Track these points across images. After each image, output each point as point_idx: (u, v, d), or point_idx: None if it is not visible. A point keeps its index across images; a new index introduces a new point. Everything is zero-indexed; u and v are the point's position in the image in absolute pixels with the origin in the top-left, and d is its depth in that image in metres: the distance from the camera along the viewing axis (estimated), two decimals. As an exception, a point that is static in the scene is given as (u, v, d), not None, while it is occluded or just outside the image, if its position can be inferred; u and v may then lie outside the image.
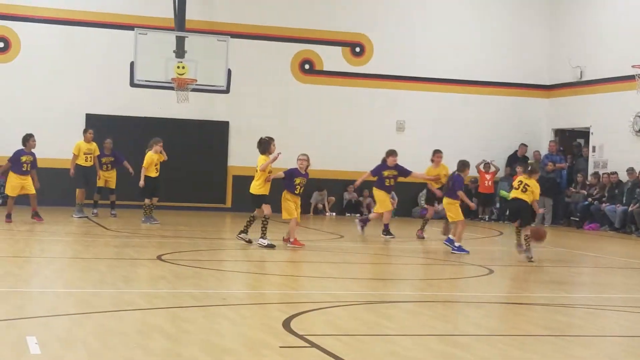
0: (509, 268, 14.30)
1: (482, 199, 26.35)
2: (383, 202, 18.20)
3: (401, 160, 24.34)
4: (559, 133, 27.51)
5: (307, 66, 25.99)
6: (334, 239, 18.17)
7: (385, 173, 18.20)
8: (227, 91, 23.01)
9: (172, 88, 22.40)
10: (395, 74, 26.50)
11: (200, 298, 9.53)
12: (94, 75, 24.31)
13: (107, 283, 10.40)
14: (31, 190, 18.72)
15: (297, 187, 15.47)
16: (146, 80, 22.26)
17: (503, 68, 27.30)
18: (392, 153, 18.39)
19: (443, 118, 26.70)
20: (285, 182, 15.51)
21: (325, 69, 26.10)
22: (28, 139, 19.01)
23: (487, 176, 26.16)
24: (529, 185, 15.24)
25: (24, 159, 18.73)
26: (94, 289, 9.98)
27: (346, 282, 11.64)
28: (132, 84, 22.57)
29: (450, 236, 16.21)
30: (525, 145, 27.05)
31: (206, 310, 8.78)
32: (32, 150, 18.97)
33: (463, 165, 16.51)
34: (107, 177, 21.42)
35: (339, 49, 26.16)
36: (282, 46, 25.69)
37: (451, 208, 16.25)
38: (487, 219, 26.23)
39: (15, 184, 18.66)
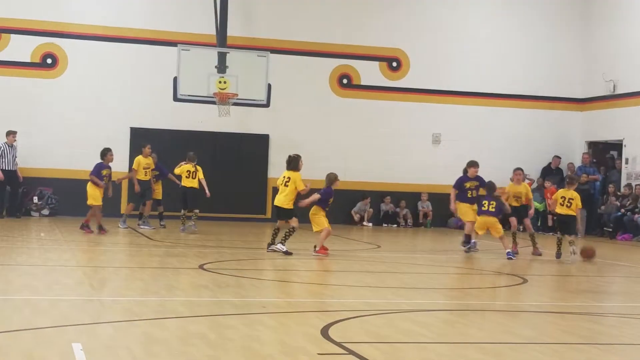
0: (542, 277, 14.20)
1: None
2: (466, 213, 17.82)
3: (437, 173, 24.32)
4: (592, 145, 27.33)
5: (345, 81, 26.04)
6: (371, 248, 18.14)
7: (467, 184, 17.87)
8: (267, 105, 23.11)
9: (213, 102, 22.54)
10: (431, 88, 26.47)
11: (241, 306, 9.56)
12: (138, 90, 24.54)
13: (150, 292, 10.46)
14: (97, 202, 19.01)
15: (329, 204, 15.80)
16: (189, 95, 22.42)
17: (537, 82, 27.18)
18: (473, 164, 17.86)
19: (478, 131, 26.62)
20: (320, 201, 15.62)
21: (362, 83, 26.14)
22: (106, 153, 19.25)
23: (521, 187, 25.97)
24: (572, 199, 15.42)
25: (104, 172, 18.93)
26: (138, 297, 10.04)
27: (383, 291, 11.62)
28: (175, 99, 22.74)
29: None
30: (559, 158, 26.92)
31: (246, 318, 8.80)
32: (110, 163, 19.23)
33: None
34: (154, 189, 21.45)
35: (376, 63, 26.19)
36: (321, 61, 25.76)
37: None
38: (520, 230, 26.03)
39: (98, 194, 18.85)
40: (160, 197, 21.44)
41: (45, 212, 23.58)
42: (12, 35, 23.94)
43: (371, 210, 25.68)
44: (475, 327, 9.01)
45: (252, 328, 8.28)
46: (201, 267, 13.05)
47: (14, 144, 22.94)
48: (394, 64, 26.31)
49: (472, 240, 17.73)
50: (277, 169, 24.86)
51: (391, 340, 7.99)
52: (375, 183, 25.63)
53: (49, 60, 24.21)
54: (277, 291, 11.44)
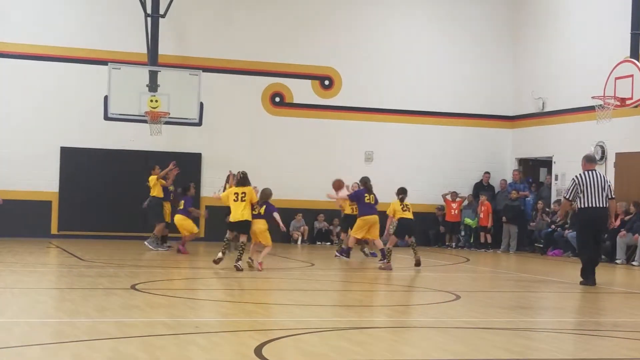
0: (474, 294, 14.34)
1: (449, 227, 26.55)
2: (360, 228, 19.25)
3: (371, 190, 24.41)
4: (523, 162, 27.75)
5: (277, 99, 26.09)
6: (305, 266, 18.15)
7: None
8: (199, 124, 23.05)
9: (145, 121, 22.42)
10: (363, 106, 26.66)
11: (173, 326, 9.48)
12: (68, 109, 24.26)
13: (81, 313, 10.32)
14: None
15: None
16: (120, 114, 22.27)
17: (468, 99, 27.54)
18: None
19: (410, 148, 26.86)
20: (265, 213, 16.51)
21: (295, 101, 26.21)
22: (189, 187, 20.27)
23: (454, 205, 26.35)
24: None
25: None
26: (68, 318, 9.90)
27: (317, 309, 11.63)
28: (106, 117, 22.56)
29: None
30: (489, 174, 27.24)
31: (179, 339, 8.73)
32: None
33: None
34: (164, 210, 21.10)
35: (308, 82, 26.29)
36: (253, 79, 25.79)
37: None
38: (453, 246, 26.35)
39: (191, 223, 19.39)
40: (168, 220, 20.95)
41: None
42: (-62, 53, 23.56)
43: (306, 227, 25.70)
44: (408, 345, 9.07)
45: (184, 348, 8.22)
46: (133, 287, 12.92)
47: None
48: (326, 82, 26.45)
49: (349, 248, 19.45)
50: (209, 188, 24.78)
51: (324, 359, 7.99)
52: (308, 201, 25.66)
53: (-25, 79, 23.84)
54: (210, 311, 11.37)
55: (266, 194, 16.66)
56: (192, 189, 20.44)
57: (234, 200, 16.24)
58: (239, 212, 16.20)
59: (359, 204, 19.24)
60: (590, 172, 15.50)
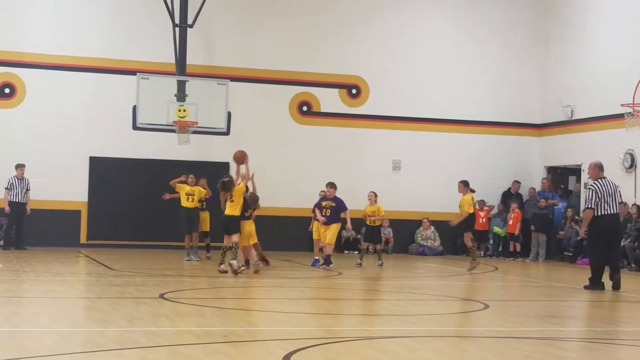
0: (504, 303, 14.26)
1: (477, 236, 26.32)
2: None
3: (398, 199, 24.41)
4: (551, 170, 27.57)
5: (305, 108, 26.10)
6: (333, 275, 18.13)
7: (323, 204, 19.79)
8: (227, 133, 23.09)
9: (173, 130, 22.49)
10: (391, 115, 26.60)
11: (201, 335, 9.49)
12: (97, 119, 24.40)
13: (110, 322, 10.35)
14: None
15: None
16: (148, 124, 22.34)
17: (496, 107, 27.41)
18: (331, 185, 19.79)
19: (438, 156, 26.76)
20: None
21: (322, 110, 26.20)
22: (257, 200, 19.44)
23: (482, 213, 26.15)
24: None
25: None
26: (97, 327, 9.93)
27: (344, 318, 11.61)
28: (135, 127, 22.64)
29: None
30: (519, 182, 27.11)
31: (207, 348, 8.74)
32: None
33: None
34: (201, 219, 20.84)
35: (335, 90, 26.29)
36: (281, 89, 25.81)
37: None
38: (482, 255, 26.20)
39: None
40: (207, 229, 20.83)
41: (1, 243, 23.27)
42: (-31, 65, 23.80)
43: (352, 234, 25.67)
44: (437, 354, 9.02)
45: (212, 358, 8.22)
46: (162, 296, 12.95)
47: (24, 176, 22.82)
48: (354, 91, 26.43)
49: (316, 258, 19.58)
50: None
51: (353, 368, 7.97)
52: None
53: (6, 90, 24.01)
54: (239, 320, 11.38)
55: (253, 199, 17.67)
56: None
57: (231, 201, 16.95)
58: (232, 209, 16.94)
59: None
60: (602, 180, 15.85)
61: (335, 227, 19.24)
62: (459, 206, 19.62)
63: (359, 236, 25.83)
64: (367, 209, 20.47)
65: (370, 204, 20.46)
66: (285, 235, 24.60)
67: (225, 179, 17.24)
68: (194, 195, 20.52)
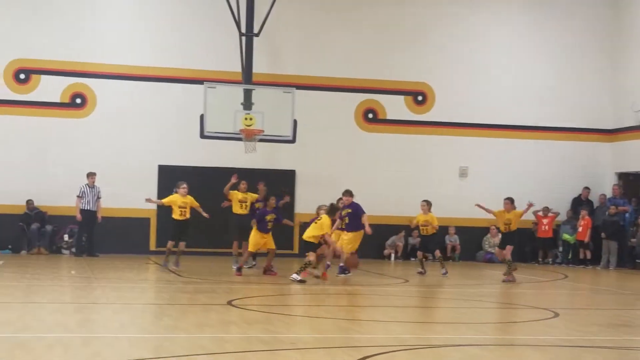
0: (574, 311, 14.11)
1: (541, 243, 26.06)
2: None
3: (464, 206, 24.30)
4: (623, 177, 27.16)
5: (370, 115, 26.14)
6: (399, 283, 18.12)
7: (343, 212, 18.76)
8: (293, 141, 23.19)
9: (240, 139, 22.65)
10: (457, 121, 26.49)
11: (270, 342, 9.58)
12: (165, 128, 24.76)
13: (179, 328, 10.51)
14: (272, 245, 18.79)
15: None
16: (215, 132, 22.53)
17: (565, 113, 27.11)
18: (347, 193, 18.95)
19: (505, 163, 26.56)
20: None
21: (388, 117, 26.20)
22: (269, 198, 19.41)
23: (545, 220, 25.85)
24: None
25: (268, 217, 18.79)
26: (167, 334, 10.09)
27: (412, 326, 11.61)
28: (202, 136, 22.88)
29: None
30: (588, 189, 26.76)
31: (275, 354, 8.82)
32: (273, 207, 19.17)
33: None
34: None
35: (401, 97, 26.27)
36: (346, 96, 25.89)
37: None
38: (550, 262, 25.93)
39: (258, 241, 18.62)
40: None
41: (74, 250, 23.74)
42: (42, 76, 24.30)
43: (400, 244, 25.65)
44: (505, 362, 8.98)
45: (281, 364, 8.30)
46: (230, 303, 13.09)
47: (95, 184, 23.27)
48: (419, 98, 26.39)
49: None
50: (303, 204, 24.91)
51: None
52: (402, 217, 25.54)
53: (78, 100, 24.51)
54: (306, 327, 11.45)
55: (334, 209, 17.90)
56: (272, 200, 19.86)
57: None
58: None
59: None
60: None
61: (353, 235, 18.64)
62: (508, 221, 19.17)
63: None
64: (420, 218, 20.29)
65: (423, 213, 20.26)
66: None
67: (335, 204, 17.99)
68: (246, 202, 20.40)
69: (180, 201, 19.59)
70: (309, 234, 17.35)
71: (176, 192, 19.72)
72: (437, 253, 20.36)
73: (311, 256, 17.12)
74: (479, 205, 19.47)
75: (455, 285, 18.40)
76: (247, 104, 22.42)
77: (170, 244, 19.52)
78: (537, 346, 9.89)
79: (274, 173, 25.06)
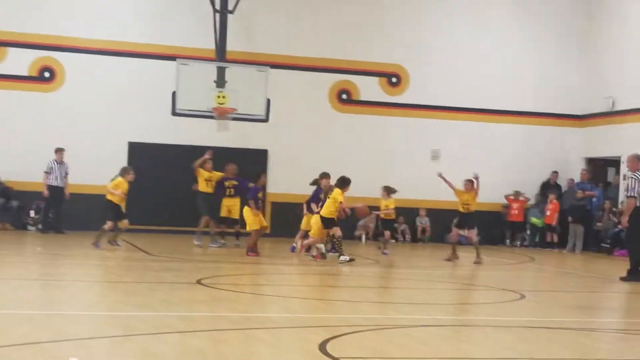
0: (540, 293, 14.23)
1: (510, 227, 26.33)
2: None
3: (435, 189, 24.36)
4: (591, 162, 27.36)
5: (344, 96, 26.12)
6: (370, 264, 18.17)
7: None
8: (266, 120, 23.14)
9: (212, 117, 22.56)
10: (430, 104, 26.53)
11: (239, 321, 9.59)
12: (136, 105, 24.60)
13: (147, 306, 10.49)
14: (264, 223, 18.74)
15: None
16: (187, 110, 22.43)
17: (537, 98, 27.24)
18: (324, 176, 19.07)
19: (478, 146, 26.66)
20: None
21: (362, 98, 26.21)
22: (260, 175, 19.47)
23: (515, 205, 26.10)
24: None
25: (260, 195, 18.80)
26: (135, 312, 10.07)
27: (381, 306, 11.66)
28: (174, 113, 22.77)
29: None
30: (557, 173, 26.96)
31: (244, 333, 8.83)
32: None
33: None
34: (230, 206, 20.80)
35: (375, 79, 26.27)
36: (320, 76, 25.85)
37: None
38: (518, 245, 26.12)
39: (255, 219, 18.43)
40: (237, 216, 20.61)
41: (40, 226, 23.55)
42: (10, 49, 24.03)
43: (371, 225, 25.69)
44: (471, 343, 9.05)
45: (249, 344, 8.32)
46: (199, 282, 13.09)
47: (63, 160, 23.06)
48: (394, 80, 26.40)
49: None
50: (275, 185, 24.92)
51: (388, 356, 8.03)
52: (373, 199, 25.57)
53: (46, 74, 24.29)
54: (276, 306, 11.47)
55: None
56: (263, 178, 19.74)
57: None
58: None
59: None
60: None
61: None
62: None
63: (395, 224, 25.88)
64: (382, 203, 20.72)
65: (383, 198, 20.71)
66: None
67: (345, 177, 18.12)
68: (212, 181, 20.52)
69: (126, 188, 19.20)
70: (327, 210, 17.65)
71: (122, 177, 19.36)
72: (387, 234, 20.70)
73: (335, 231, 17.58)
74: (441, 176, 19.48)
75: (425, 267, 18.50)
76: (221, 82, 22.31)
77: (110, 224, 19.22)
78: (502, 327, 9.97)
79: (246, 152, 25.01)
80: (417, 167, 26.09)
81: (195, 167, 20.40)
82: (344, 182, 18.00)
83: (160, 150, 24.46)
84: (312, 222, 18.31)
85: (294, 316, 10.46)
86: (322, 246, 17.89)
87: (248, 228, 18.47)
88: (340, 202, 17.65)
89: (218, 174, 20.70)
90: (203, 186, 20.50)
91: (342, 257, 17.35)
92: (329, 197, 17.83)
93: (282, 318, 10.17)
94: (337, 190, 17.80)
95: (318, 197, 18.98)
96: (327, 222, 17.67)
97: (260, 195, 18.94)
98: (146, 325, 9.08)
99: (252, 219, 18.32)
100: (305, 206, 19.26)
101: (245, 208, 18.52)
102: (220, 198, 20.77)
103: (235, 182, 20.86)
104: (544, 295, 14.05)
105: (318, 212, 18.11)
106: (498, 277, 17.06)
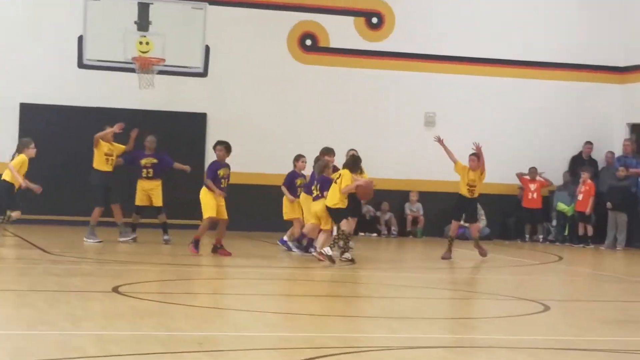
0: (569, 304, 14.33)
1: (528, 215, 26.25)
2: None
3: (430, 165, 24.41)
4: (637, 129, 27.51)
5: (308, 42, 26.09)
6: (343, 264, 18.20)
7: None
8: (204, 74, 23.08)
9: (133, 70, 22.48)
10: (422, 52, 26.56)
11: (168, 342, 9.57)
12: (30, 55, 24.41)
13: (47, 323, 10.44)
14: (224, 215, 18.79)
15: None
16: (99, 60, 22.33)
17: (563, 45, 27.33)
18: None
19: (485, 109, 26.74)
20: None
21: (332, 45, 26.18)
22: (215, 146, 19.15)
23: (532, 186, 26.07)
24: None
25: (221, 172, 18.75)
26: (29, 330, 10.02)
27: (360, 322, 11.68)
28: (81, 65, 22.65)
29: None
30: (591, 144, 27.03)
31: (177, 358, 8.82)
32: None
33: None
34: (150, 190, 20.81)
35: (350, 19, 26.27)
36: (277, 16, 25.82)
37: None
38: (540, 240, 26.22)
39: (213, 204, 18.54)
40: (160, 203, 20.78)
41: None
42: None
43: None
44: (480, 370, 9.11)
45: (183, 371, 8.32)
46: (115, 289, 13.05)
47: None
48: (374, 20, 26.40)
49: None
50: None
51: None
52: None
53: None
54: (216, 321, 11.46)
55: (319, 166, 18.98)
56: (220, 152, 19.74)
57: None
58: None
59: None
60: None
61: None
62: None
63: (378, 213, 25.95)
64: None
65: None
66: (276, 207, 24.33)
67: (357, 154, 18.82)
68: (112, 156, 20.41)
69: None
70: (334, 200, 17.90)
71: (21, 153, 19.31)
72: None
73: (344, 225, 17.89)
74: (439, 141, 19.47)
75: (417, 268, 18.55)
76: (143, 23, 22.21)
77: (17, 213, 19.24)
78: (518, 349, 10.03)
79: (178, 117, 24.92)
80: (407, 136, 26.13)
81: (95, 139, 20.28)
82: (356, 163, 18.43)
83: (63, 115, 24.31)
84: (313, 210, 18.46)
85: (242, 335, 10.46)
86: (328, 249, 17.80)
87: (205, 215, 18.59)
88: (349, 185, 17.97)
89: (120, 147, 20.57)
90: (100, 162, 20.35)
91: (346, 255, 17.97)
92: (335, 182, 18.03)
93: (227, 337, 10.17)
94: (346, 173, 18.02)
95: (293, 182, 19.60)
96: (337, 214, 17.90)
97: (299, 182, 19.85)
98: (44, 348, 9.03)
99: (212, 204, 18.51)
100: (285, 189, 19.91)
101: (203, 189, 18.54)
102: (135, 180, 20.73)
103: (154, 160, 20.80)
104: (574, 306, 14.14)
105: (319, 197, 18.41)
106: (514, 282, 17.14)
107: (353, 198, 18.64)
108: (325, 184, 18.30)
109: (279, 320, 11.68)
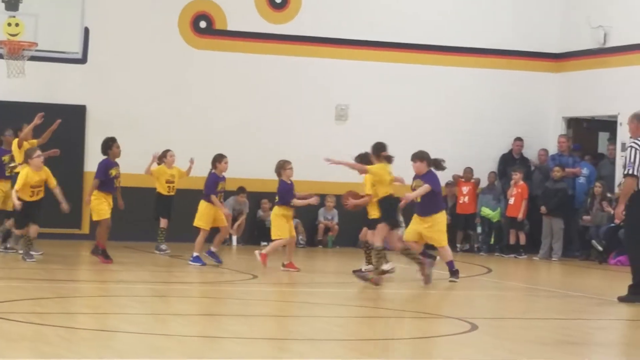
0: (499, 322, 14.45)
1: (461, 222, 26.34)
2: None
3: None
4: (573, 123, 27.77)
5: (203, 24, 26.05)
6: (245, 279, 18.21)
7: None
8: (83, 60, 22.96)
9: (0, 56, 22.31)
10: (332, 36, 26.63)
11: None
12: None
13: None
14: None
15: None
16: (-41, 44, 22.18)
17: (492, 29, 27.58)
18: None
19: (404, 101, 26.86)
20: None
21: (229, 28, 26.16)
22: (111, 144, 19.72)
23: (465, 189, 26.18)
24: None
25: (113, 172, 19.26)
26: None
27: (261, 345, 11.69)
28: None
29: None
30: (522, 140, 27.22)
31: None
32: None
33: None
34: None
35: (250, -1, 26.30)
36: (166, -6, 25.78)
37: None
38: (467, 249, 26.36)
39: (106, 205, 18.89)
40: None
41: None
42: None
43: (243, 218, 25.63)
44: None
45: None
46: (-20, 310, 12.93)
47: None
48: (278, 0, 26.42)
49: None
50: (97, 160, 24.64)
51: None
52: (249, 180, 25.60)
53: None
54: (98, 346, 11.38)
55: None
56: (117, 148, 20.16)
57: None
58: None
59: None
60: None
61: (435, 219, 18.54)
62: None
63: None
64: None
65: (167, 166, 22.00)
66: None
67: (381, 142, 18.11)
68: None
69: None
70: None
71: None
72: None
73: (377, 240, 17.33)
74: (330, 161, 19.23)
75: (327, 283, 18.59)
76: (12, 1, 22.06)
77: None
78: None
79: (53, 110, 24.67)
80: (316, 131, 26.17)
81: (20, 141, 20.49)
82: (379, 149, 17.98)
83: None
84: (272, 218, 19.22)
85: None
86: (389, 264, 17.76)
87: (96, 218, 19.04)
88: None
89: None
90: None
91: (386, 265, 17.44)
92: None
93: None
94: (378, 165, 17.75)
95: (214, 186, 20.00)
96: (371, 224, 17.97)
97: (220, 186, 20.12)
98: None
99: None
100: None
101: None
102: None
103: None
104: (505, 325, 14.25)
105: None
106: (436, 298, 17.25)
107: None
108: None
109: (164, 343, 11.59)
